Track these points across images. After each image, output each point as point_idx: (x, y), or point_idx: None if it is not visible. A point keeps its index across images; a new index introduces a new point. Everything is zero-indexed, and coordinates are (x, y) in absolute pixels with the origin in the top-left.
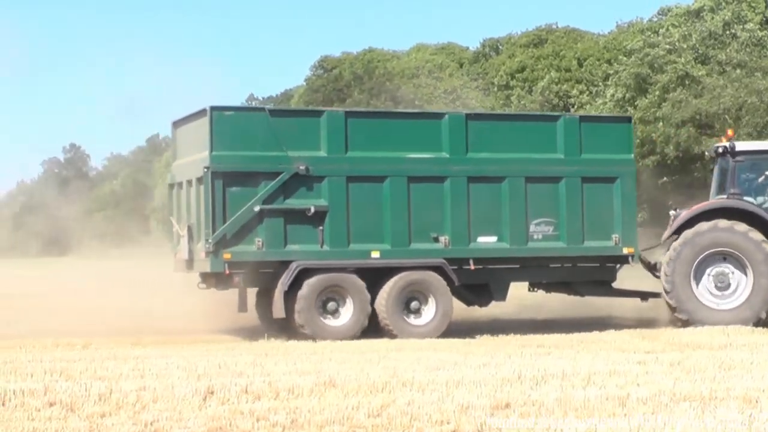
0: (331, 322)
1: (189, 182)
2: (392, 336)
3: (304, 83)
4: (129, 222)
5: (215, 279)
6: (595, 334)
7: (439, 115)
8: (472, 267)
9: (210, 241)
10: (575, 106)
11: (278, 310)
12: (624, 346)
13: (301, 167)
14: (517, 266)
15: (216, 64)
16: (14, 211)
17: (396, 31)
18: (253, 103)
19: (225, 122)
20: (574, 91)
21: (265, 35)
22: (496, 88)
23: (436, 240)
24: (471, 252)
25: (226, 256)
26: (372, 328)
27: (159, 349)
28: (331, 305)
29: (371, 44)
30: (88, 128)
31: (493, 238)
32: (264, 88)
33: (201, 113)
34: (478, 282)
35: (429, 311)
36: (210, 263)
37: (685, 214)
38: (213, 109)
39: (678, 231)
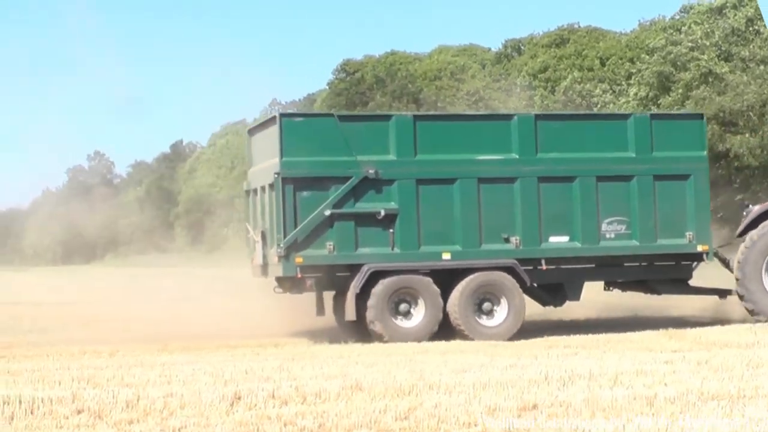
0: (402, 323)
1: (262, 188)
2: (464, 337)
3: (327, 87)
4: (154, 229)
5: (290, 283)
6: (622, 334)
7: (508, 117)
8: (544, 267)
9: (282, 245)
10: (598, 106)
11: (350, 312)
12: (651, 346)
13: (371, 171)
14: (592, 265)
15: (239, 70)
16: (40, 219)
17: (418, 33)
18: (277, 107)
19: (294, 129)
20: (597, 91)
21: (287, 40)
22: (518, 89)
23: (507, 241)
24: (542, 252)
25: (298, 260)
26: (441, 329)
27: (185, 356)
28: (403, 306)
29: (393, 47)
30: (112, 135)
31: (564, 238)
32: (287, 93)
33: (271, 120)
34: (551, 282)
35: (501, 312)
36: (282, 267)
37: (756, 209)
38: (282, 116)
39: (750, 227)
